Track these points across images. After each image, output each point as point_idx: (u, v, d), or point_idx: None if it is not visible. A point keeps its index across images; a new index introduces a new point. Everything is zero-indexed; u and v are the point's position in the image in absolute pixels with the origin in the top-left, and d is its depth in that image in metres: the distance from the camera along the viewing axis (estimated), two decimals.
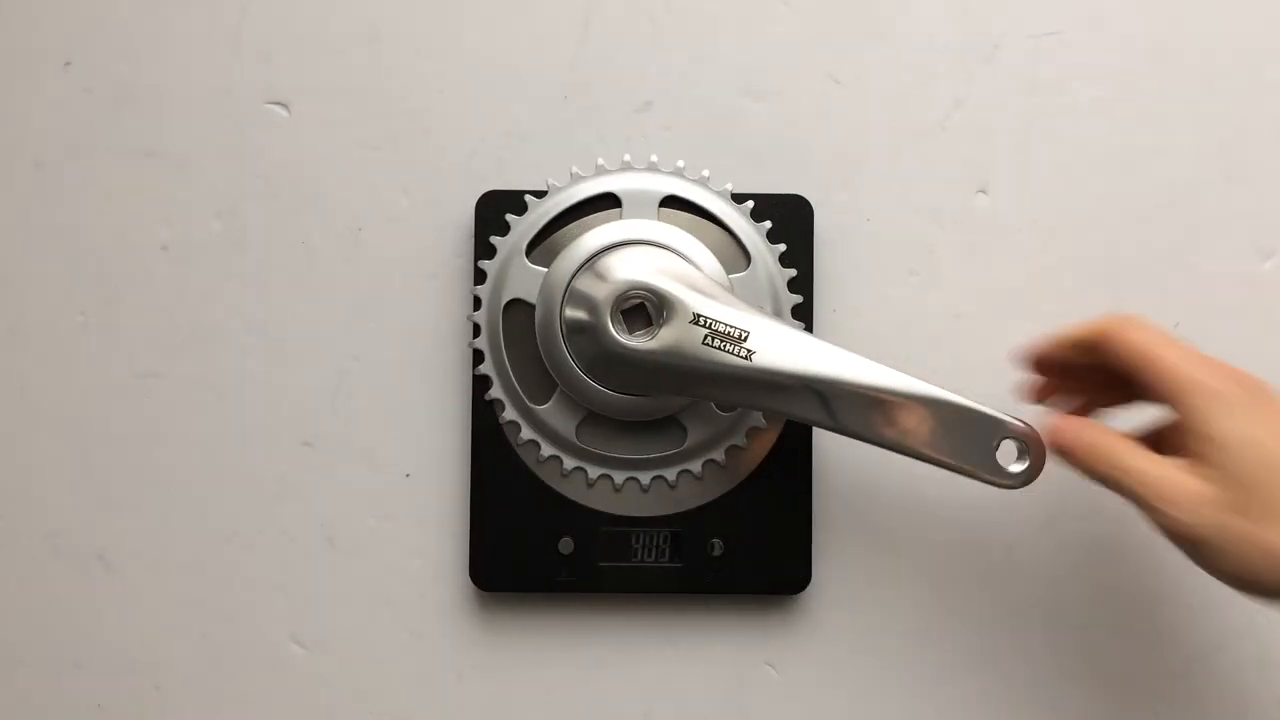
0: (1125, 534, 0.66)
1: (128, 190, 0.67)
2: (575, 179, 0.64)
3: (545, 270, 0.63)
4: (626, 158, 0.64)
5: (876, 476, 0.66)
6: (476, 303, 0.64)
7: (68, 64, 0.67)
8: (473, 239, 0.65)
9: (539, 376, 0.63)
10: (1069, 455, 0.56)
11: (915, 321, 0.67)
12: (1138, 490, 0.53)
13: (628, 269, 0.61)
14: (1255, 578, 0.51)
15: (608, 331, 0.60)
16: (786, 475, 0.65)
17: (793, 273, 0.64)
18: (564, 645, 0.67)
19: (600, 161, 0.64)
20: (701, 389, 0.60)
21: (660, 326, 0.60)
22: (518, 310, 0.63)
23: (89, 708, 0.67)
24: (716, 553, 0.65)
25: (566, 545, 0.65)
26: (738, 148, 0.67)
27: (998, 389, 0.65)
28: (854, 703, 0.67)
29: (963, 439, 0.59)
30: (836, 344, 0.59)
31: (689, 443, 0.64)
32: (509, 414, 0.64)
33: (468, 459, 0.65)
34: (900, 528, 0.66)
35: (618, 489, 0.64)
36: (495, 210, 0.64)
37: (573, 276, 0.62)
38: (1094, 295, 0.67)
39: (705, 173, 0.64)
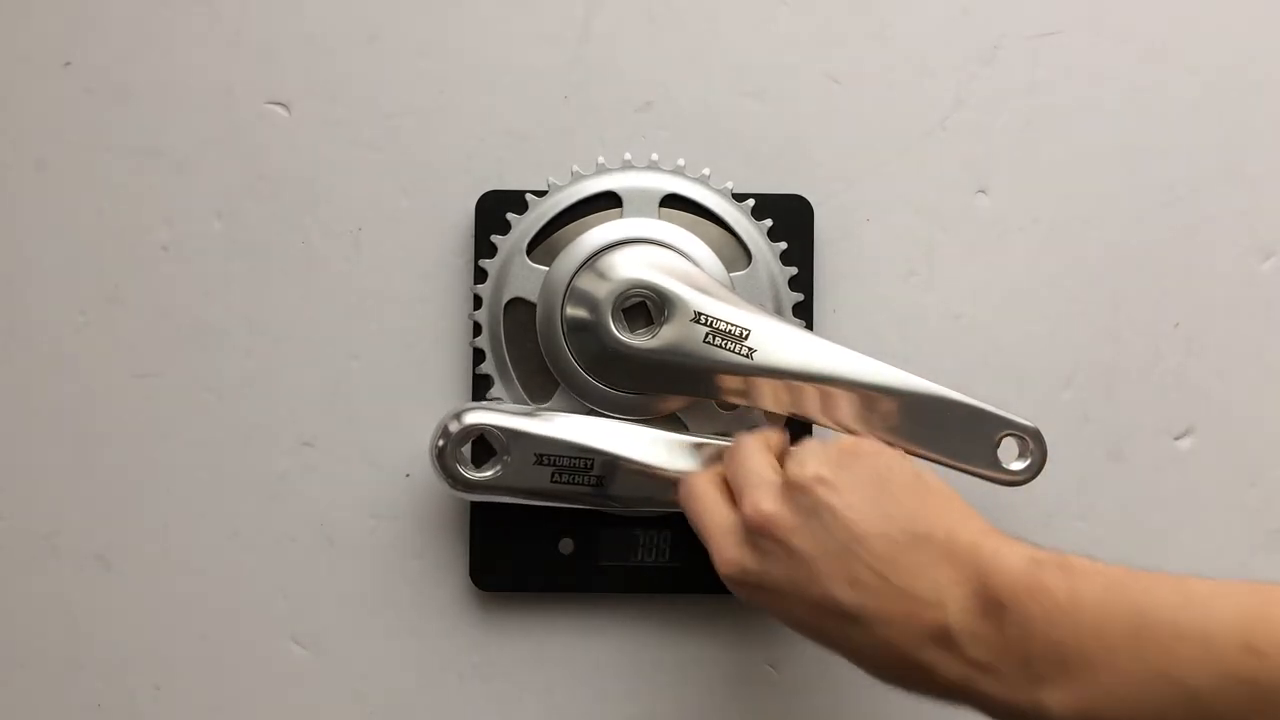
0: (1125, 534, 0.67)
1: (128, 190, 0.67)
2: (576, 178, 0.64)
3: (546, 269, 0.63)
4: (627, 156, 0.64)
5: None
6: (477, 302, 0.64)
7: (68, 64, 0.67)
8: (473, 238, 0.65)
9: (540, 375, 0.63)
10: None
11: (915, 321, 0.67)
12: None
13: (629, 267, 0.61)
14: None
15: (609, 330, 0.60)
16: None
17: (793, 271, 0.64)
18: (564, 645, 0.67)
19: (601, 160, 0.64)
20: (702, 387, 0.60)
21: (661, 325, 0.60)
22: (519, 309, 0.63)
23: (89, 708, 0.67)
24: None
25: (566, 545, 0.65)
26: (738, 147, 0.67)
27: (998, 388, 0.65)
28: (854, 703, 0.66)
29: (963, 436, 0.59)
30: (837, 343, 0.60)
31: None
32: None
33: None
34: None
35: None
36: (496, 209, 0.64)
37: (574, 275, 0.62)
38: (1094, 295, 0.67)
39: (705, 171, 0.64)
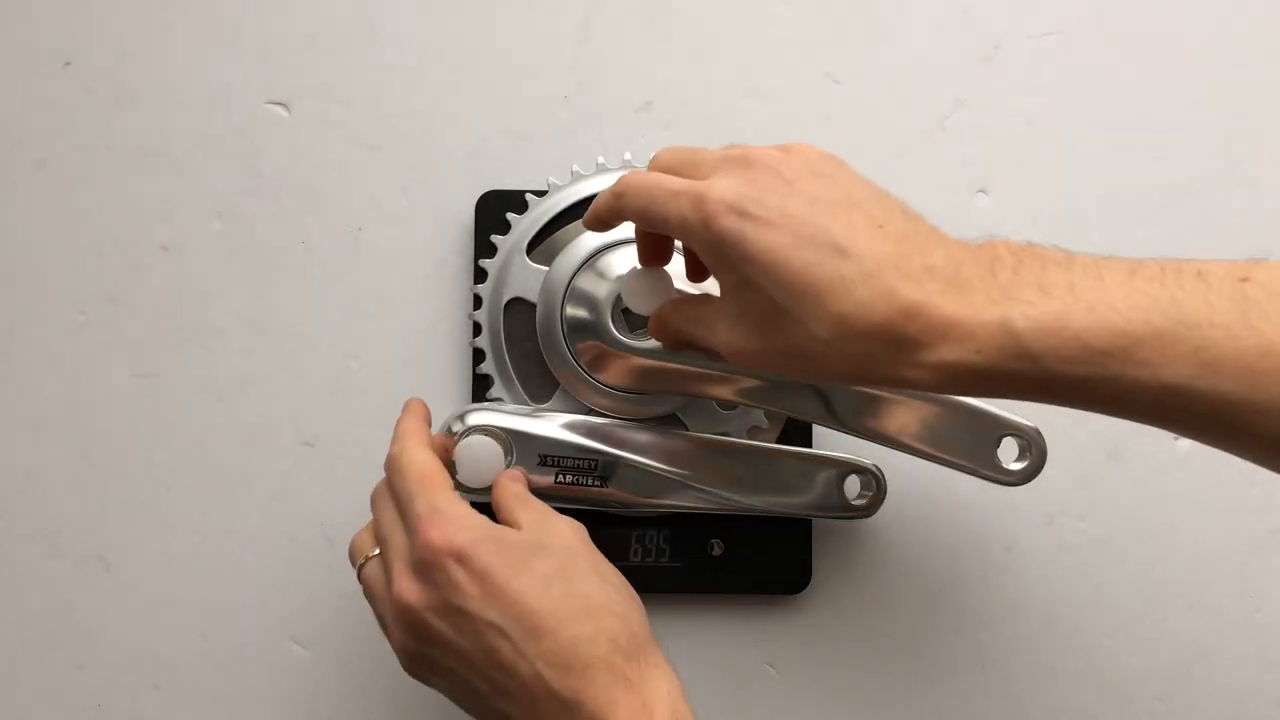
0: (1125, 534, 0.67)
1: (128, 190, 0.67)
2: (576, 177, 0.64)
3: (546, 269, 0.63)
4: (627, 156, 0.64)
5: None
6: (477, 301, 0.64)
7: (68, 64, 0.67)
8: (473, 238, 0.65)
9: (540, 375, 0.63)
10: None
11: None
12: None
13: (629, 267, 0.61)
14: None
15: (609, 330, 0.60)
16: None
17: None
18: None
19: (601, 160, 0.64)
20: (702, 387, 0.60)
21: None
22: (519, 309, 0.63)
23: (89, 708, 0.67)
24: (716, 553, 0.65)
25: None
26: None
27: None
28: (854, 703, 0.66)
29: (963, 436, 0.59)
30: None
31: None
32: None
33: None
34: (900, 527, 0.66)
35: None
36: (496, 209, 0.64)
37: (574, 275, 0.62)
38: None
39: None
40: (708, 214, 0.48)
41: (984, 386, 0.46)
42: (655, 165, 0.54)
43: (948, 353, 0.46)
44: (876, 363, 0.47)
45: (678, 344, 0.56)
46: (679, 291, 0.57)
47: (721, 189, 0.49)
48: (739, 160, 0.50)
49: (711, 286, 0.53)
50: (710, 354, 0.54)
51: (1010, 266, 0.46)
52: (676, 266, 0.57)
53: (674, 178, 0.51)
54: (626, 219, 0.54)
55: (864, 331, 0.46)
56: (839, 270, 0.46)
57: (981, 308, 0.45)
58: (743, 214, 0.48)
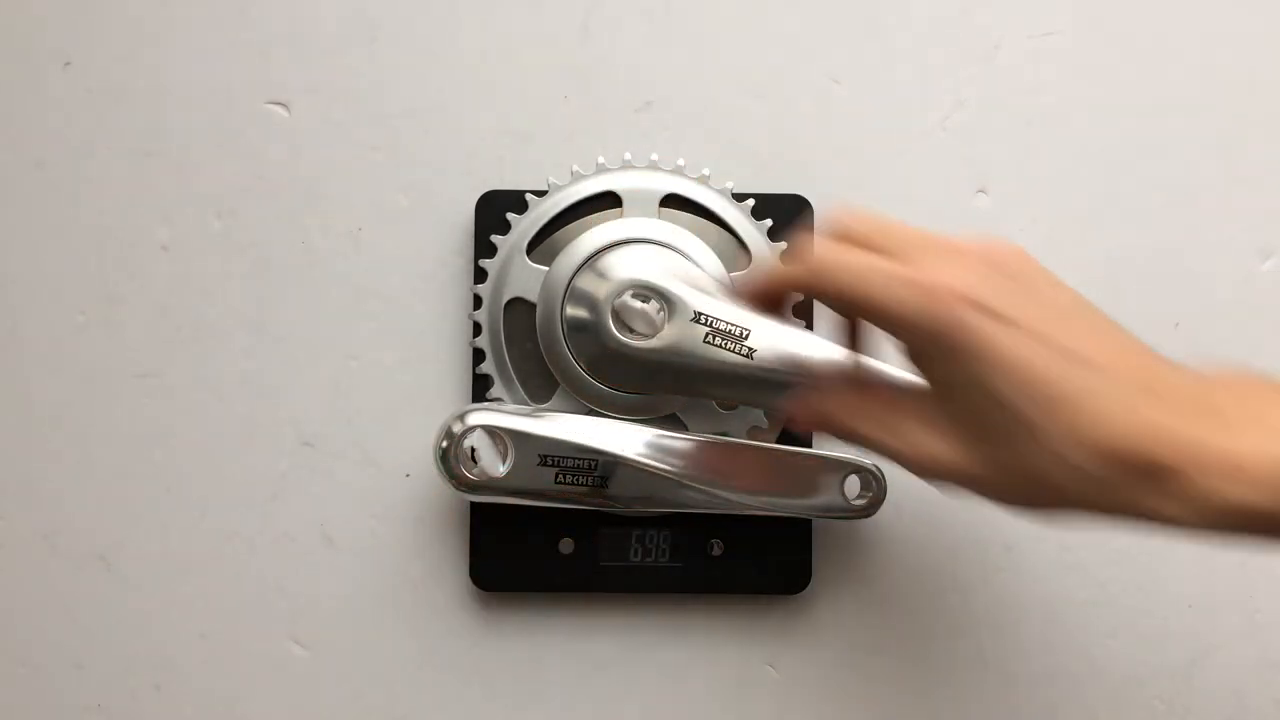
0: (1125, 534, 0.66)
1: (128, 190, 0.67)
2: (576, 177, 0.64)
3: (546, 269, 0.63)
4: (627, 156, 0.64)
5: None
6: (477, 302, 0.64)
7: (68, 64, 0.67)
8: (473, 238, 0.65)
9: (540, 375, 0.63)
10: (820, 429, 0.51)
11: None
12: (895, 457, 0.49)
13: (629, 267, 0.61)
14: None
15: (609, 330, 0.60)
16: None
17: None
18: (564, 645, 0.67)
19: (601, 160, 0.64)
20: (702, 387, 0.60)
21: (661, 325, 0.60)
22: (518, 309, 0.63)
23: (89, 708, 0.67)
24: (716, 553, 0.65)
25: (566, 545, 0.65)
26: (738, 147, 0.67)
27: None
28: (854, 703, 0.66)
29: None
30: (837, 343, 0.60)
31: None
32: None
33: None
34: (900, 528, 0.66)
35: None
36: (496, 209, 0.64)
37: (574, 275, 0.62)
38: (1094, 295, 0.66)
39: (706, 171, 0.64)
40: (940, 305, 0.45)
41: (1252, 527, 0.43)
42: (844, 234, 0.49)
43: (1220, 487, 0.42)
44: (1120, 491, 0.43)
45: (831, 434, 0.51)
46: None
47: (951, 278, 0.45)
48: (950, 249, 0.46)
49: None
50: (885, 456, 0.50)
51: (1240, 395, 0.45)
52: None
53: (879, 257, 0.47)
54: (817, 298, 0.50)
55: (1113, 452, 0.43)
56: (1088, 384, 0.44)
57: (1254, 440, 0.43)
58: (983, 309, 0.45)
